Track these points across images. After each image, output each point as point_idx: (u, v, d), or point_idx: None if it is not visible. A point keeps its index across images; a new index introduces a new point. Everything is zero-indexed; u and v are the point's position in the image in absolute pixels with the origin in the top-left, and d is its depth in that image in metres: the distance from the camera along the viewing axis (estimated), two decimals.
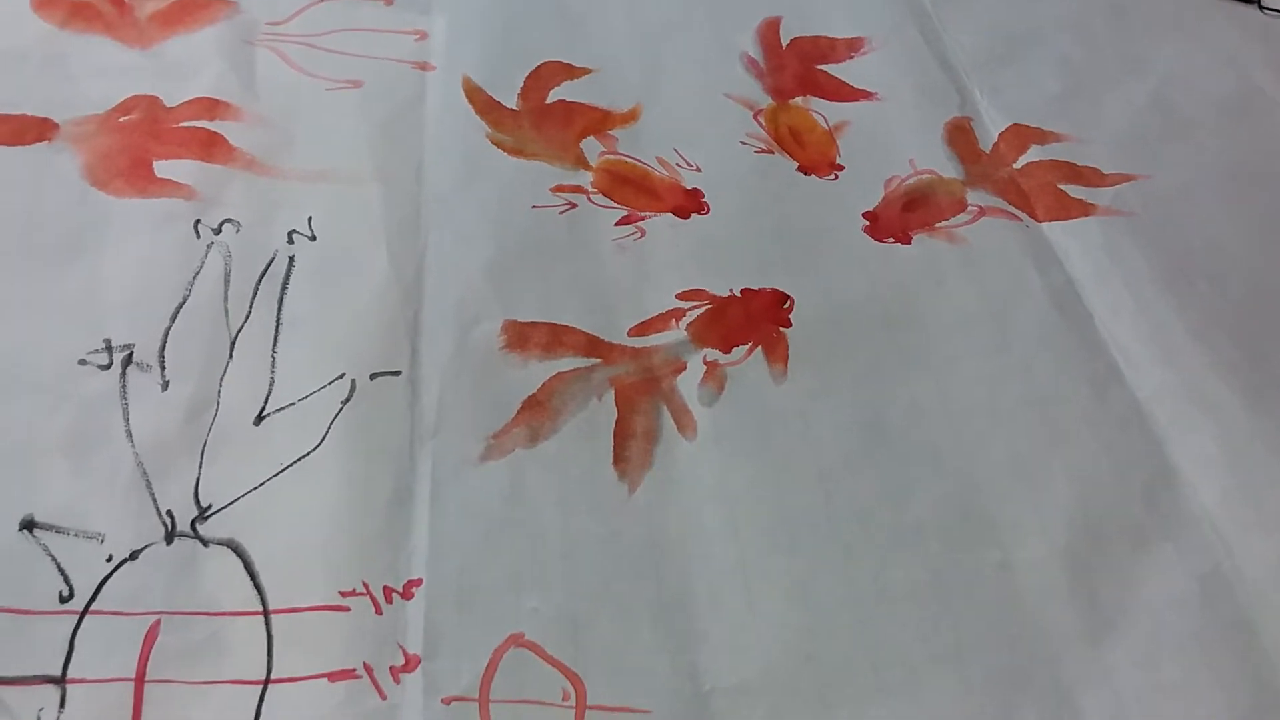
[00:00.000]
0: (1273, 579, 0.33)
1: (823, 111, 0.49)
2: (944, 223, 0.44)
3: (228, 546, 0.32)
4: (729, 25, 0.53)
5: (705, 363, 0.38)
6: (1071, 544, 0.34)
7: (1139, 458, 0.36)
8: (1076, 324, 0.40)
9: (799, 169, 0.46)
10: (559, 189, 0.44)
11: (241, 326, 0.37)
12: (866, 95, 0.50)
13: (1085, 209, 0.45)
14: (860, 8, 0.50)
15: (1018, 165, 0.47)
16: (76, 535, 0.32)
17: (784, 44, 0.52)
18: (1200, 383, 0.38)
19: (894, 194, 0.45)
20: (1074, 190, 0.46)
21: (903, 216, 0.44)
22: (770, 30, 0.53)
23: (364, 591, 0.31)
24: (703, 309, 0.40)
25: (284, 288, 0.39)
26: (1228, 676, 0.31)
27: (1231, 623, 0.33)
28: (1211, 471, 0.36)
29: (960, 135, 0.48)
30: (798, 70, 0.51)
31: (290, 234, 0.40)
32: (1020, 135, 0.48)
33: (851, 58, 0.52)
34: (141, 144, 0.43)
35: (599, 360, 0.38)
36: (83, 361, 0.36)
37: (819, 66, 0.51)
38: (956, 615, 0.32)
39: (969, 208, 0.45)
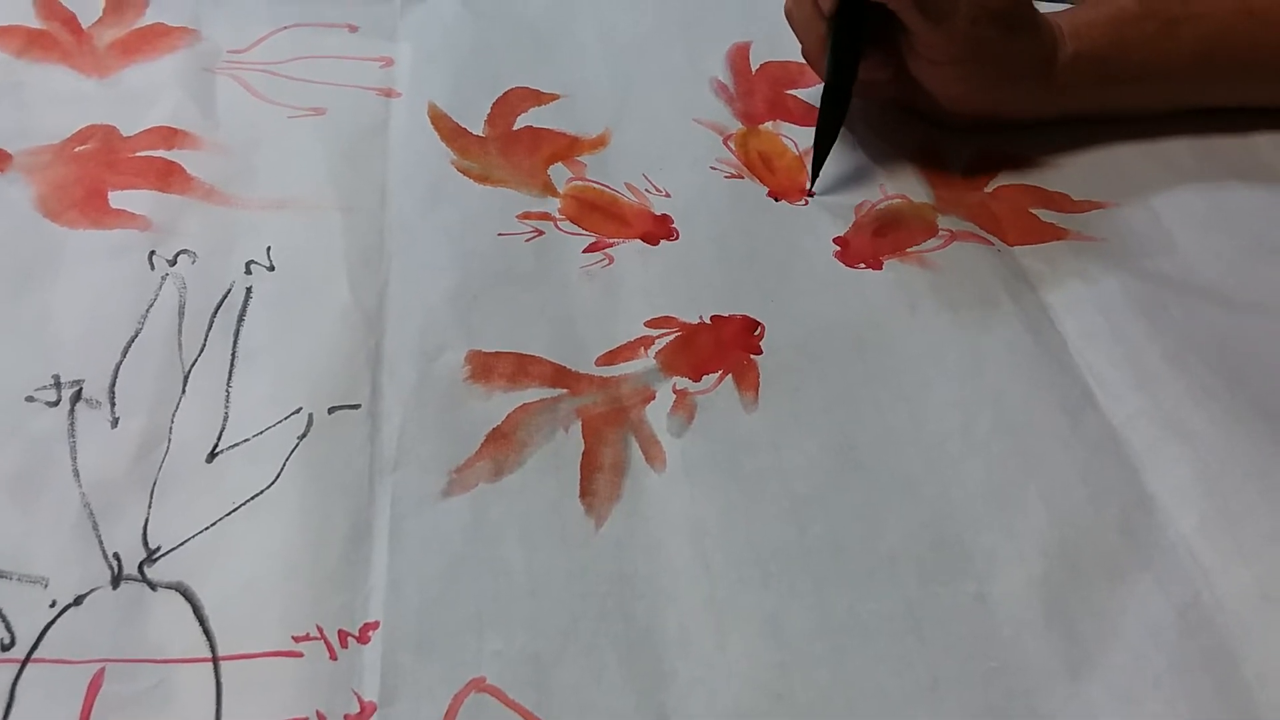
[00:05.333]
0: (1253, 608, 0.33)
1: (793, 136, 0.49)
2: (915, 247, 0.44)
3: (176, 590, 0.31)
4: (698, 50, 0.53)
5: (675, 391, 0.38)
6: (1048, 574, 0.33)
7: (1115, 485, 0.36)
8: (1049, 349, 0.40)
9: (769, 194, 0.46)
10: (526, 216, 0.43)
11: (195, 360, 0.36)
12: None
13: (1057, 233, 0.45)
14: None
15: (988, 189, 0.47)
16: (19, 579, 0.31)
17: (754, 69, 0.52)
18: (1175, 408, 0.38)
19: (864, 219, 0.45)
20: (1044, 215, 0.45)
21: (874, 242, 0.44)
22: (740, 55, 0.53)
23: (318, 636, 0.30)
24: (672, 336, 0.39)
25: (240, 319, 0.38)
26: (1209, 709, 0.31)
27: (1212, 654, 0.32)
28: (1188, 498, 0.35)
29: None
30: (768, 95, 0.51)
31: (248, 264, 0.40)
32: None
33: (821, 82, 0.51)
34: (96, 174, 0.42)
35: (565, 391, 0.37)
36: (30, 398, 0.35)
37: (789, 91, 0.51)
38: (932, 649, 0.32)
39: (940, 232, 0.44)
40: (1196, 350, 0.40)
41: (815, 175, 0.45)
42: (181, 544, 0.32)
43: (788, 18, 0.47)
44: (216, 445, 0.34)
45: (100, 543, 0.32)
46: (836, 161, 0.46)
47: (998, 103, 0.47)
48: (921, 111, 0.48)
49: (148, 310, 0.38)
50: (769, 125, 0.49)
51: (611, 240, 0.43)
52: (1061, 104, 0.47)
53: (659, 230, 0.43)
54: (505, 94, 0.49)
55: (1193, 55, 0.47)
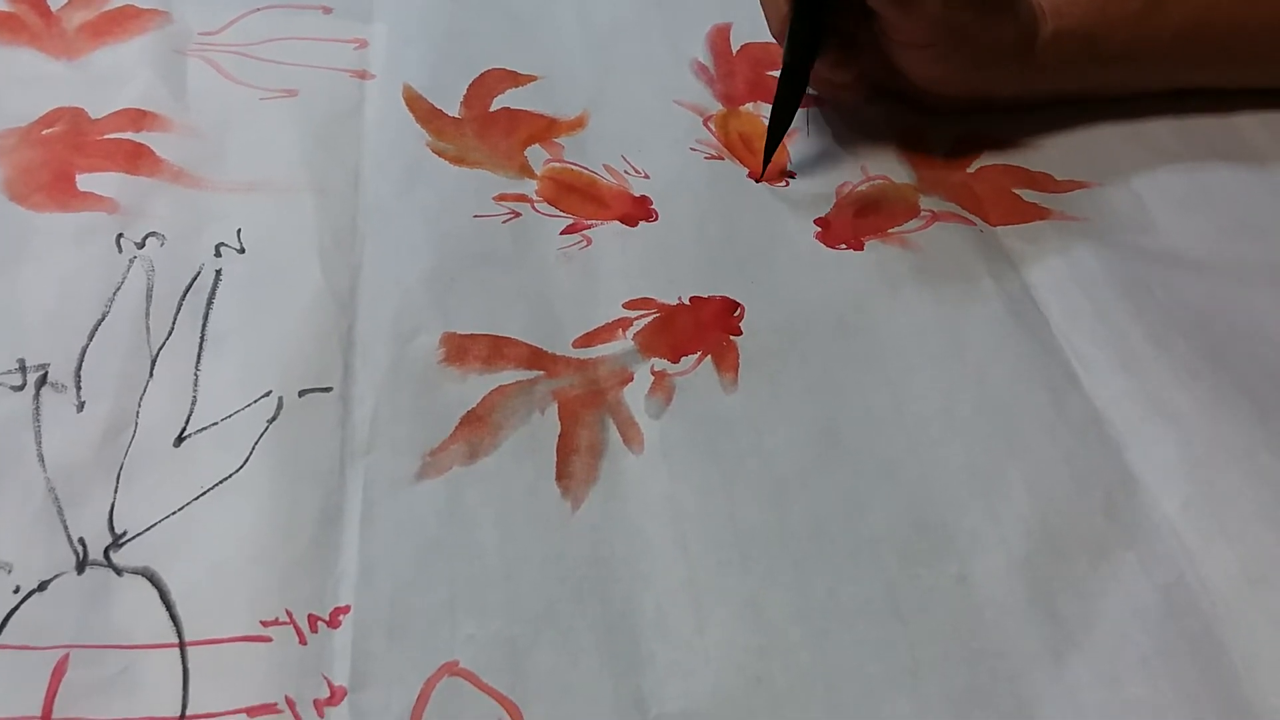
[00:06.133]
0: (1237, 589, 0.32)
1: None
2: (897, 228, 0.43)
3: (142, 575, 0.30)
4: (679, 32, 0.52)
5: (653, 373, 0.37)
6: (1031, 556, 0.33)
7: (1098, 466, 0.35)
8: (1032, 329, 0.39)
9: (750, 175, 0.45)
10: (502, 198, 0.43)
11: (163, 344, 0.36)
12: (818, 101, 0.49)
13: (1039, 213, 0.44)
14: None
15: (971, 170, 0.46)
16: None
17: (734, 50, 0.52)
18: (1159, 389, 0.37)
19: (846, 200, 0.44)
20: (1027, 195, 0.45)
21: (855, 223, 0.43)
22: (720, 37, 0.52)
23: (287, 620, 0.30)
24: (650, 318, 0.39)
25: (209, 302, 0.37)
26: (1194, 690, 0.30)
27: (1197, 635, 0.31)
28: (1172, 479, 0.35)
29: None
30: (749, 76, 0.50)
31: (218, 247, 0.39)
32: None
33: None
34: (64, 157, 0.42)
35: (542, 373, 0.37)
36: None
37: (770, 73, 0.50)
38: (913, 631, 0.31)
39: (922, 213, 0.44)
40: (1180, 330, 0.39)
41: (768, 160, 0.44)
42: (148, 529, 0.31)
43: None
44: (184, 429, 0.34)
45: (65, 528, 0.31)
46: (817, 142, 0.46)
47: (977, 84, 0.46)
48: (901, 96, 0.48)
49: (115, 293, 0.37)
50: (750, 107, 0.49)
51: (589, 222, 0.42)
52: (1043, 84, 0.47)
53: (637, 212, 0.43)
54: (482, 75, 0.48)
55: (1176, 35, 0.46)
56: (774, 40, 0.48)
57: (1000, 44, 0.44)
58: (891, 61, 0.45)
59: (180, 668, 0.28)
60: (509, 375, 0.36)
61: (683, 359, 0.38)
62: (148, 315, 0.36)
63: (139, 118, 0.43)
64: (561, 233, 0.42)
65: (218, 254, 0.39)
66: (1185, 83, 0.49)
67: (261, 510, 0.32)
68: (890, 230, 0.43)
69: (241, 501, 0.32)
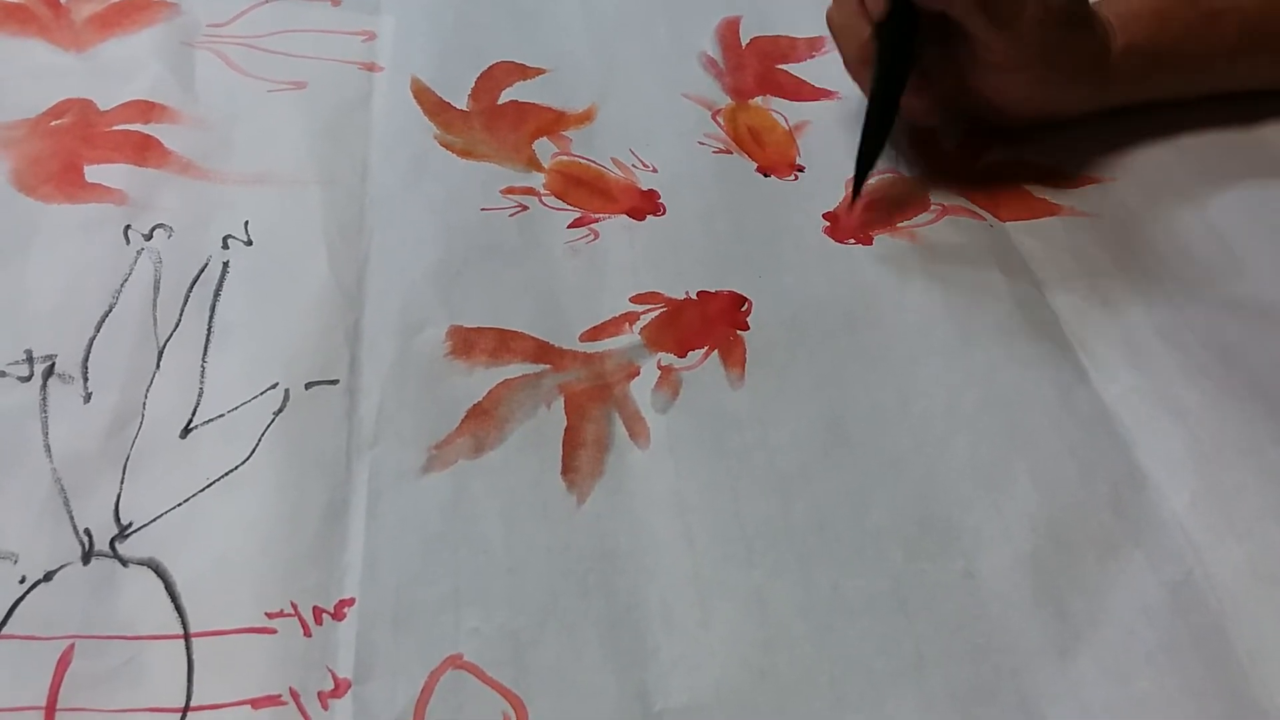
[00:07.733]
0: (1245, 585, 0.32)
1: (783, 111, 0.48)
2: (906, 223, 0.43)
3: (148, 566, 0.30)
4: (687, 25, 0.52)
5: (659, 367, 0.37)
6: (1037, 551, 0.33)
7: (1106, 461, 0.35)
8: (1041, 325, 0.39)
9: (758, 169, 0.45)
10: (510, 191, 0.43)
11: (170, 335, 0.36)
12: (827, 95, 0.49)
13: (1050, 209, 0.44)
14: (820, 7, 0.48)
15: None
16: None
17: (744, 43, 0.51)
18: (1168, 385, 0.37)
19: None
20: (1038, 191, 0.45)
21: (864, 217, 0.43)
22: (730, 30, 0.52)
23: (292, 612, 0.30)
24: (657, 312, 0.39)
25: (217, 294, 0.37)
26: (1200, 687, 0.30)
27: (1203, 631, 0.31)
28: (1180, 475, 0.35)
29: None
30: (758, 70, 0.50)
31: (225, 239, 0.39)
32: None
33: (812, 57, 0.51)
34: (72, 148, 0.42)
35: (548, 366, 0.37)
36: (2, 373, 0.34)
37: (779, 66, 0.50)
38: (918, 626, 0.31)
39: (931, 207, 0.44)
40: (1189, 327, 0.39)
41: (857, 193, 0.43)
42: (154, 520, 0.31)
43: (828, 23, 0.45)
44: (191, 421, 0.34)
45: (71, 518, 0.31)
46: (828, 136, 0.45)
47: (1059, 102, 0.45)
48: (967, 115, 0.46)
49: (122, 285, 0.37)
50: (759, 100, 0.48)
51: (597, 215, 0.42)
52: (1117, 96, 0.46)
53: (645, 205, 0.43)
54: (490, 68, 0.48)
55: (1236, 43, 0.46)
56: (785, 34, 0.48)
57: (1082, 60, 0.44)
58: (976, 88, 0.44)
59: (185, 659, 0.29)
60: (515, 369, 0.36)
61: (689, 353, 0.38)
62: (155, 307, 0.36)
63: (147, 109, 0.44)
64: (569, 226, 0.42)
65: (225, 246, 0.39)
66: (1249, 86, 0.48)
67: (267, 502, 0.32)
68: (899, 225, 0.43)
69: (247, 493, 0.32)
